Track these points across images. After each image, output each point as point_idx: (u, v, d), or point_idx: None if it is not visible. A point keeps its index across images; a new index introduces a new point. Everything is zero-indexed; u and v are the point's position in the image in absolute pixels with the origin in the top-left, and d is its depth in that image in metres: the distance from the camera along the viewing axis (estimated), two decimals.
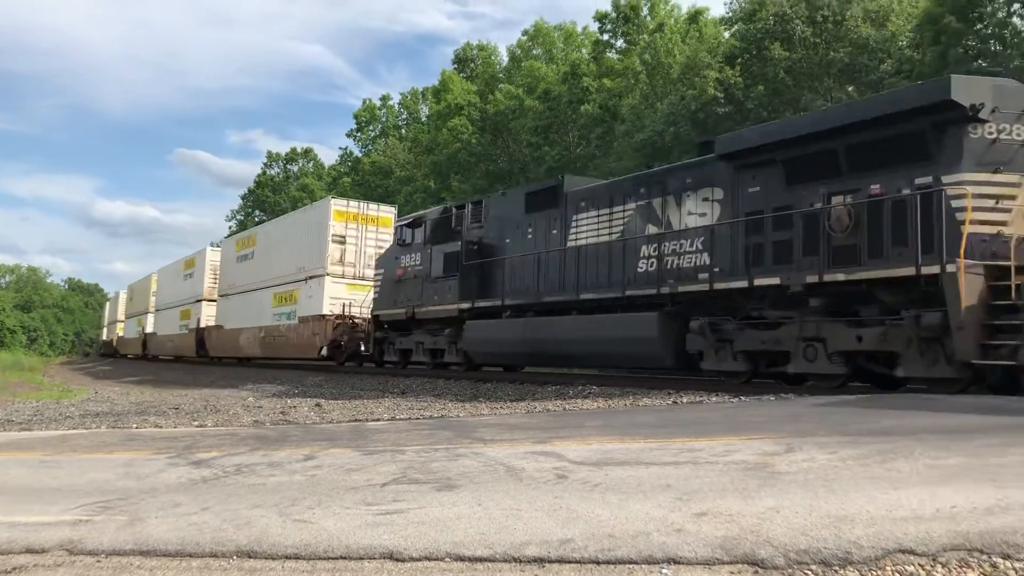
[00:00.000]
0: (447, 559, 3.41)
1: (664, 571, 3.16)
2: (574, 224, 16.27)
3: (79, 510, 4.58)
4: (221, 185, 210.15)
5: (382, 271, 22.33)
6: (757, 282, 12.21)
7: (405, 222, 21.75)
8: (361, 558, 3.49)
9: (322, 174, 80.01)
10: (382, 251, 25.26)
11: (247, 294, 32.09)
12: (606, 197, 15.77)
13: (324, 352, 24.97)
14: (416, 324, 20.73)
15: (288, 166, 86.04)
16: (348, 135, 76.11)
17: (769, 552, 3.21)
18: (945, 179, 10.42)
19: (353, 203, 27.49)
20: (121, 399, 17.60)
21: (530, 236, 17.25)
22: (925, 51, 28.94)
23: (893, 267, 10.61)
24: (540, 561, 3.31)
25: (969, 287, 9.68)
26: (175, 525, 4.12)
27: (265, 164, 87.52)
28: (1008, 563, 3.03)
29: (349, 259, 26.21)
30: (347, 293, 25.60)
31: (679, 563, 3.20)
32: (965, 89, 10.35)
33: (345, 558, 3.52)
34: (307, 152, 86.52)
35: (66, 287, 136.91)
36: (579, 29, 56.95)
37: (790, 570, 3.10)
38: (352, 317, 24.84)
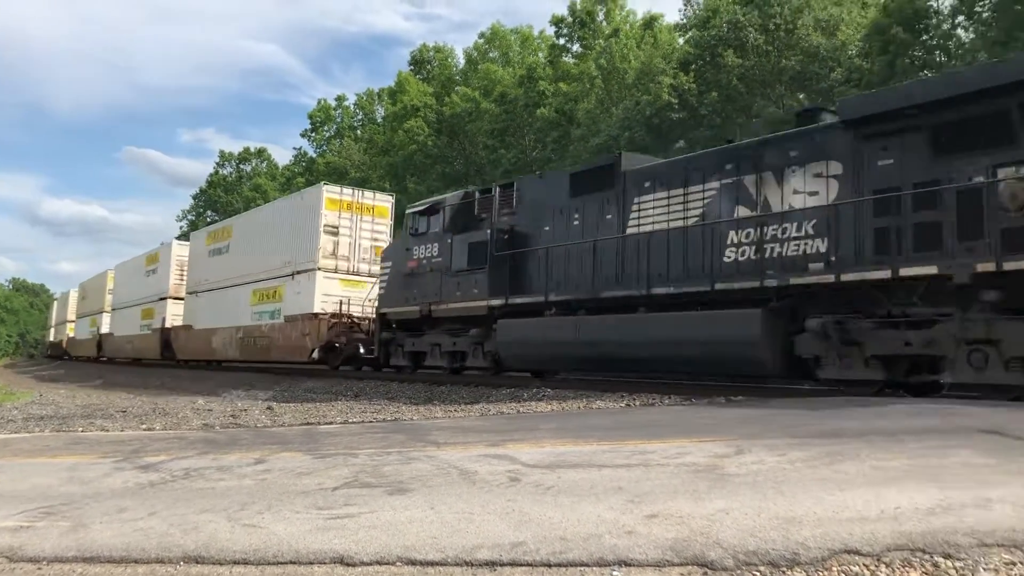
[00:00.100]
0: (398, 563, 3.39)
1: (615, 573, 3.17)
2: (635, 208, 14.10)
3: (20, 516, 4.46)
4: (172, 184, 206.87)
5: (390, 264, 19.99)
6: (904, 271, 10.10)
7: (418, 209, 19.49)
8: (311, 563, 3.46)
9: (276, 174, 79.20)
10: (378, 243, 23.84)
11: (221, 291, 29.61)
12: (679, 176, 13.60)
13: (316, 355, 22.72)
14: (431, 323, 18.39)
15: (241, 166, 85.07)
16: (303, 135, 75.50)
17: (719, 553, 3.24)
18: None
19: (347, 190, 24.86)
20: (67, 402, 17.23)
21: (576, 223, 15.15)
22: (874, 60, 29.55)
23: None
24: (492, 564, 3.30)
25: None
26: (120, 531, 4.04)
27: (217, 163, 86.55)
28: (949, 562, 3.10)
29: (343, 252, 23.76)
30: (341, 289, 23.33)
31: (630, 565, 3.22)
32: None
33: (295, 563, 3.48)
34: (260, 152, 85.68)
35: (10, 287, 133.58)
36: (536, 33, 57.20)
37: (739, 571, 3.14)
38: (350, 316, 22.81)
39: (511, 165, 43.10)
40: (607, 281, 14.20)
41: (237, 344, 27.58)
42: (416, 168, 50.49)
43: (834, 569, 3.12)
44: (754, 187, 12.37)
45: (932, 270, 9.84)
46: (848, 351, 10.73)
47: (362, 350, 21.63)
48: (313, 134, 73.50)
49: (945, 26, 30.42)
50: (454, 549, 3.45)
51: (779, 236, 11.91)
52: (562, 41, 48.06)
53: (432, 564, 3.36)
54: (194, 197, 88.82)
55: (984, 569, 3.05)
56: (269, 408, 12.91)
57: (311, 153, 73.45)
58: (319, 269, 23.12)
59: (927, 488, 4.05)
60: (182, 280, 34.82)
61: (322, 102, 73.89)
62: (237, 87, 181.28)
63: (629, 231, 14.10)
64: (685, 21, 40.11)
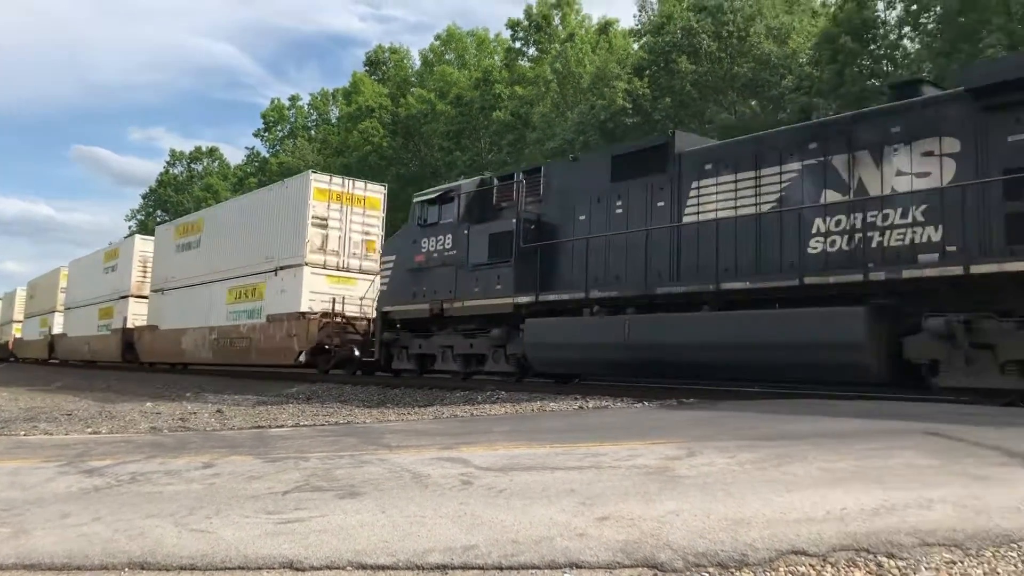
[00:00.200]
0: (349, 568, 3.36)
1: (566, 575, 3.18)
2: (693, 193, 12.71)
3: None
4: (121, 184, 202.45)
5: (392, 258, 18.37)
6: None
7: (427, 197, 17.82)
8: (260, 568, 3.41)
9: (227, 174, 78.27)
10: (369, 237, 22.45)
11: (191, 289, 27.62)
12: (748, 156, 12.21)
13: (303, 358, 20.91)
14: (441, 323, 16.85)
15: (192, 165, 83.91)
16: (255, 135, 74.71)
17: (668, 555, 3.27)
18: None
19: (337, 179, 23.00)
20: (9, 405, 16.82)
21: (619, 211, 13.71)
22: (823, 68, 30.12)
23: None
24: (443, 568, 3.29)
25: None
26: (63, 536, 3.95)
27: (168, 163, 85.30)
28: (892, 562, 3.16)
29: (332, 246, 21.94)
30: (329, 286, 21.63)
31: (581, 567, 3.23)
32: None
33: (243, 568, 3.43)
34: (212, 151, 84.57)
35: None
36: (492, 36, 57.30)
37: (688, 572, 3.16)
38: (344, 316, 21.11)
39: (466, 167, 43.11)
40: (659, 276, 12.90)
41: (211, 346, 25.75)
42: (371, 169, 50.19)
43: (781, 570, 3.16)
44: (846, 168, 10.98)
45: None
46: (977, 355, 9.36)
47: (357, 352, 20.21)
48: (266, 134, 72.81)
49: (892, 36, 31.15)
50: (405, 553, 3.43)
51: (879, 224, 10.46)
52: (518, 45, 48.24)
53: (383, 568, 3.33)
54: (144, 197, 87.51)
55: (925, 568, 3.12)
56: (219, 411, 12.72)
57: (264, 153, 72.75)
58: (306, 265, 21.52)
59: (872, 489, 4.13)
60: (145, 277, 32.77)
61: (276, 102, 73.26)
62: (189, 85, 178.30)
63: (686, 219, 12.70)
64: (640, 27, 40.48)
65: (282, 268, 22.26)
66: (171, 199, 79.20)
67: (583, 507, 4.00)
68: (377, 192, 23.35)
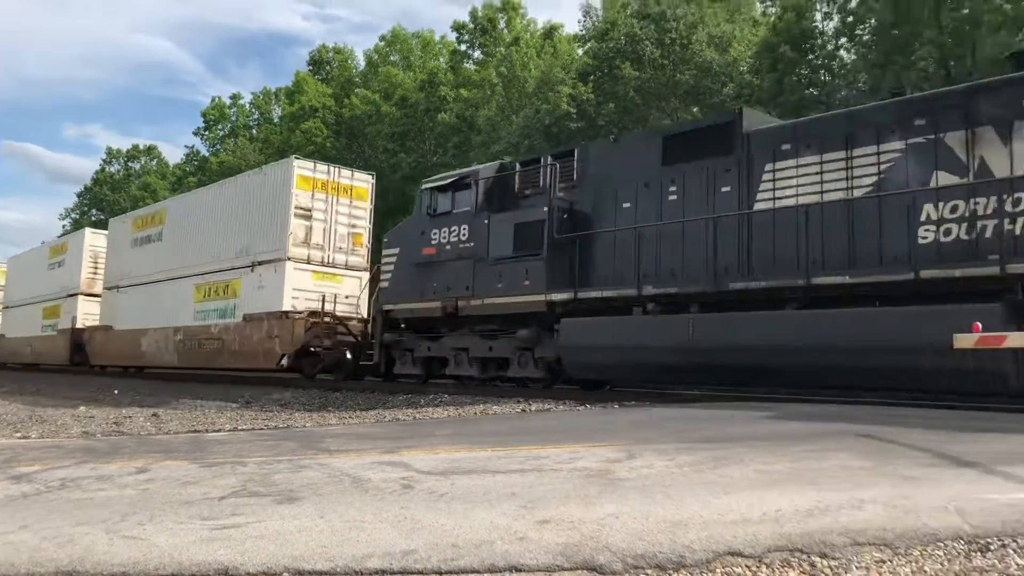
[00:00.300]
0: (286, 573, 3.31)
1: None
2: (768, 176, 11.46)
3: None
4: (54, 181, 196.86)
5: (396, 251, 16.74)
6: None
7: (438, 184, 16.22)
8: (194, 575, 3.35)
9: (166, 173, 76.74)
10: (356, 230, 21.01)
11: (152, 286, 25.55)
12: (837, 135, 10.97)
13: (286, 362, 19.07)
14: (456, 323, 15.38)
15: (129, 163, 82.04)
16: (195, 133, 73.24)
17: (607, 557, 3.29)
18: None
19: (322, 167, 21.16)
20: None
21: (673, 197, 12.46)
22: (763, 77, 30.68)
23: None
24: (382, 573, 3.27)
25: None
26: None
27: (104, 161, 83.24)
28: (825, 561, 3.23)
29: (316, 240, 20.26)
30: (314, 284, 20.00)
31: (521, 571, 3.23)
32: None
33: (177, 575, 3.36)
34: (150, 149, 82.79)
35: None
36: (437, 38, 57.18)
37: (627, 574, 3.19)
38: (335, 315, 19.49)
39: (411, 169, 42.93)
40: (725, 271, 11.69)
41: (175, 348, 23.72)
42: None
43: (718, 571, 3.20)
44: (963, 147, 9.78)
45: None
46: None
47: (349, 356, 18.76)
48: (206, 133, 71.52)
49: (829, 47, 31.87)
50: (344, 558, 3.40)
51: (1009, 210, 9.24)
52: (463, 47, 48.21)
53: (321, 573, 3.30)
54: (79, 195, 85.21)
55: (856, 567, 3.19)
56: (155, 415, 12.44)
57: (204, 152, 71.47)
58: (289, 259, 19.82)
59: (806, 490, 4.21)
60: (97, 274, 30.48)
61: (216, 100, 72.05)
62: (126, 82, 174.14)
63: (759, 206, 11.45)
64: (584, 32, 40.79)
65: (261, 263, 20.67)
66: (107, 198, 77.34)
67: (524, 510, 4.00)
68: (365, 181, 21.81)
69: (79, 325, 30.32)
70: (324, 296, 19.38)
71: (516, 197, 14.95)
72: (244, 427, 9.98)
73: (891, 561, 3.24)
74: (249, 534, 3.79)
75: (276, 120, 64.85)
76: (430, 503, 4.28)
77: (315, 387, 17.66)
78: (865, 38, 30.58)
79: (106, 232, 31.13)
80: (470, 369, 15.16)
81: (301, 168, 20.44)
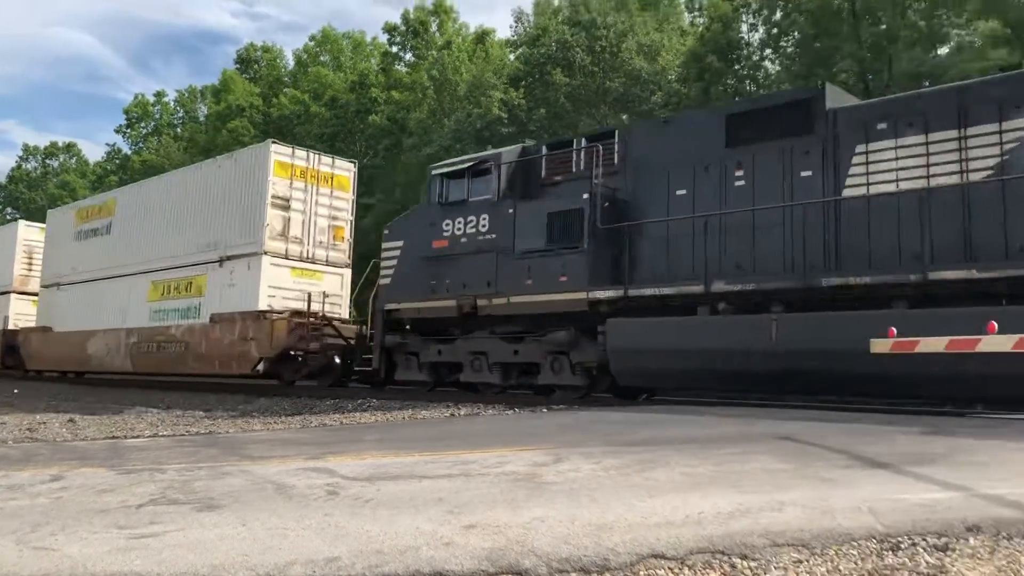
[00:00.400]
0: None
1: None
2: (859, 159, 10.23)
3: None
4: None
5: (399, 244, 15.10)
6: None
7: (450, 169, 14.58)
8: None
9: (86, 171, 74.45)
10: (337, 223, 19.38)
11: (98, 284, 23.28)
12: (947, 112, 9.77)
13: (262, 368, 17.42)
14: (471, 324, 13.88)
15: (47, 161, 79.28)
16: (117, 131, 71.27)
17: (533, 562, 3.30)
18: None
19: (300, 153, 19.27)
20: None
21: (741, 182, 11.22)
22: (691, 86, 31.26)
23: None
24: None
25: None
26: None
27: (20, 158, 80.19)
28: (745, 563, 3.29)
29: (295, 232, 18.49)
30: (292, 280, 18.27)
31: None
32: None
33: None
34: (69, 147, 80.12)
35: None
36: (368, 39, 56.75)
37: None
38: (324, 316, 17.82)
39: None
40: (809, 265, 10.47)
41: (128, 351, 21.43)
42: None
43: (641, 573, 3.24)
44: None
45: None
46: None
47: (337, 360, 17.16)
48: (128, 131, 69.66)
49: (755, 58, 32.65)
50: (265, 567, 3.33)
51: None
52: (395, 49, 47.93)
53: None
54: None
55: (775, 568, 3.26)
56: (71, 421, 12.03)
57: (126, 151, 69.57)
58: (266, 253, 17.94)
59: (729, 493, 4.29)
60: (32, 271, 28.08)
61: (139, 97, 70.38)
62: (43, 77, 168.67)
63: (849, 192, 10.27)
64: (516, 38, 40.96)
65: (231, 258, 18.75)
66: (23, 196, 74.62)
67: (450, 515, 3.99)
68: (346, 170, 20.05)
69: (11, 326, 27.92)
70: (310, 294, 17.67)
71: (543, 184, 13.63)
72: (165, 433, 9.74)
73: (808, 561, 3.32)
74: (167, 543, 3.69)
75: (202, 119, 63.53)
76: (355, 509, 4.24)
77: (293, 395, 16.03)
78: (789, 50, 31.43)
79: (43, 225, 28.65)
80: (490, 375, 13.62)
81: (279, 153, 18.63)
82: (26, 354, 26.47)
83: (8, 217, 69.01)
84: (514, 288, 12.90)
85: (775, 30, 31.47)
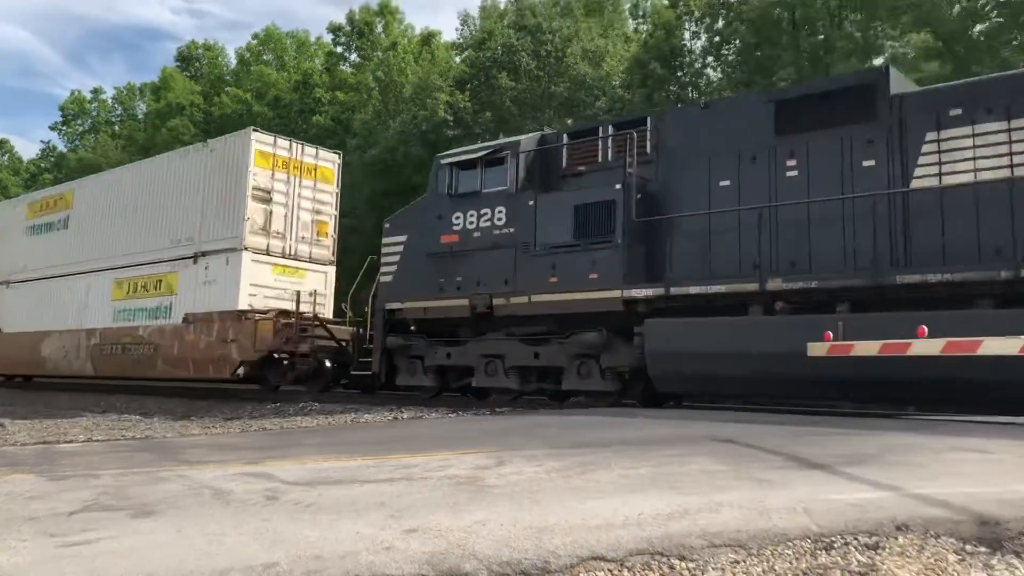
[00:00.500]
0: None
1: None
2: (930, 147, 9.60)
3: None
4: None
5: (402, 239, 14.14)
6: None
7: (461, 158, 13.68)
8: None
9: (19, 168, 72.26)
10: (321, 217, 18.41)
11: (54, 281, 21.99)
12: None
13: (242, 372, 16.32)
14: (485, 325, 13.02)
15: None
16: (52, 128, 69.40)
17: (473, 565, 3.30)
18: None
19: (283, 142, 18.15)
20: None
21: (793, 172, 10.51)
22: (635, 92, 31.57)
23: None
24: None
25: None
26: None
27: None
28: (683, 564, 3.33)
29: (276, 227, 17.42)
30: (274, 278, 17.24)
31: None
32: None
33: None
34: (2, 144, 77.69)
35: None
36: (312, 39, 56.17)
37: None
38: (316, 317, 16.61)
39: None
40: (874, 261, 9.76)
41: (90, 354, 20.15)
42: None
43: (581, 575, 3.26)
44: None
45: None
46: None
47: (329, 364, 15.92)
48: (64, 128, 67.83)
49: (697, 65, 33.13)
50: (201, 573, 3.28)
51: None
52: (340, 49, 47.53)
53: None
54: None
55: (712, 568, 3.31)
56: (0, 425, 11.68)
57: (61, 148, 67.75)
58: (246, 249, 16.86)
59: (668, 494, 4.34)
60: None
61: (76, 94, 68.41)
62: None
63: (918, 183, 9.63)
64: (462, 41, 40.92)
65: (207, 253, 17.67)
66: None
67: (391, 520, 3.97)
68: (330, 162, 19.06)
69: None
70: (299, 292, 16.48)
71: (564, 175, 12.82)
72: (100, 437, 9.50)
73: (745, 562, 3.38)
74: (100, 550, 3.61)
75: (141, 117, 62.18)
76: (295, 514, 4.19)
77: (275, 400, 14.84)
78: (730, 58, 31.98)
79: None
80: (506, 380, 12.69)
81: (260, 142, 17.49)
82: None
83: None
84: (536, 286, 12.10)
85: (717, 38, 32.01)
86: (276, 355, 16.14)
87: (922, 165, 9.68)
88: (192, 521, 4.09)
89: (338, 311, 18.29)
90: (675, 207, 11.41)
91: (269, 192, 17.37)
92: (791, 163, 10.55)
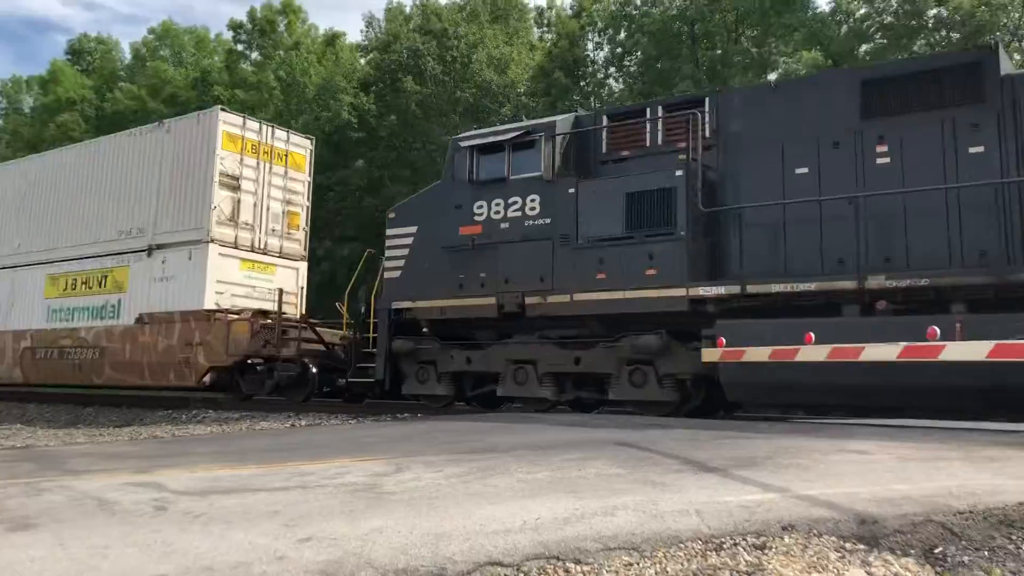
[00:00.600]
0: None
1: None
2: None
3: None
4: None
5: (411, 231, 12.67)
6: None
7: (485, 140, 12.29)
8: None
9: None
10: (292, 208, 16.79)
11: None
12: None
13: (208, 379, 14.49)
14: (514, 326, 11.76)
15: None
16: None
17: (369, 574, 3.26)
18: None
19: (252, 124, 16.51)
20: None
21: (884, 159, 9.55)
22: (539, 100, 31.89)
23: None
24: None
25: None
26: None
27: None
28: (579, 567, 3.37)
29: (245, 218, 15.79)
30: (242, 274, 15.64)
31: None
32: None
33: None
34: None
35: None
36: (212, 35, 54.71)
37: None
38: (304, 316, 15.07)
39: None
40: (983, 256, 8.95)
41: (17, 359, 18.11)
42: None
43: None
44: None
45: None
46: None
47: (314, 369, 14.03)
48: None
49: (599, 75, 33.71)
50: None
51: None
52: (240, 47, 46.41)
53: None
54: None
55: (607, 571, 3.36)
56: None
57: None
58: (212, 241, 15.20)
59: (565, 498, 4.39)
60: None
61: None
62: None
63: None
64: (367, 43, 40.52)
65: (163, 246, 15.95)
66: None
67: (286, 529, 3.89)
68: (302, 148, 17.45)
69: None
70: (281, 291, 14.99)
71: (603, 160, 11.64)
72: None
73: (638, 564, 3.44)
74: None
75: (28, 111, 59.37)
76: (185, 525, 4.07)
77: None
78: (632, 69, 32.65)
79: None
80: (539, 389, 11.35)
81: (228, 123, 15.85)
82: None
83: None
84: (579, 283, 10.87)
85: (619, 49, 32.65)
86: (250, 361, 14.58)
87: None
88: (75, 533, 3.92)
89: (330, 310, 16.96)
90: (739, 196, 10.36)
91: (237, 179, 15.76)
92: (881, 149, 9.60)
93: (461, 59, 34.29)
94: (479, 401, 12.53)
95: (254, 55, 45.80)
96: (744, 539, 3.65)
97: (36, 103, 55.74)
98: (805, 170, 9.96)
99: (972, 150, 9.11)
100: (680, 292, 10.05)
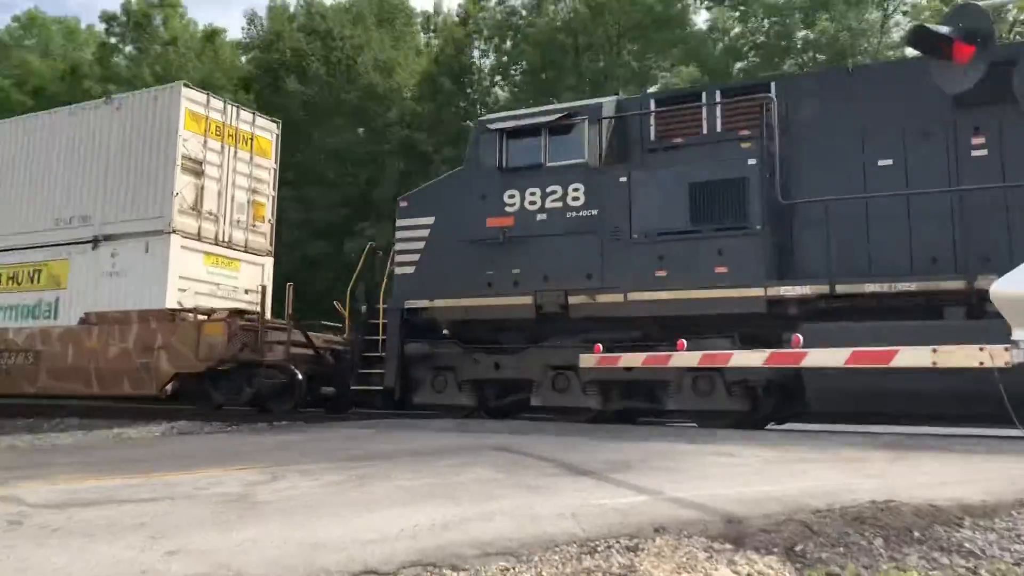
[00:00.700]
0: None
1: None
2: None
3: None
4: None
5: (427, 221, 11.43)
6: None
7: (511, 124, 11.16)
8: None
9: None
10: (258, 197, 15.30)
11: None
12: None
13: (171, 388, 12.86)
14: (554, 329, 10.55)
15: None
16: None
17: None
18: None
19: (216, 103, 14.85)
20: None
21: (981, 151, 8.79)
22: (424, 105, 31.82)
23: None
24: None
25: None
26: None
27: None
28: (455, 573, 3.37)
29: (209, 207, 14.22)
30: (206, 270, 14.11)
31: None
32: None
33: None
34: None
35: None
36: (83, 27, 52.27)
37: None
38: (292, 315, 12.95)
39: None
40: None
41: None
42: None
43: None
44: None
45: None
46: None
47: (300, 377, 12.45)
48: None
49: (485, 83, 33.92)
50: None
51: None
52: (114, 40, 44.49)
53: None
54: None
55: None
56: None
57: None
58: (174, 232, 13.57)
59: (444, 504, 4.39)
60: None
61: None
62: None
63: None
64: (248, 41, 39.53)
65: (112, 237, 14.16)
66: None
67: (152, 541, 3.75)
68: (269, 132, 15.85)
69: None
70: (264, 288, 13.56)
71: (651, 148, 10.55)
72: None
73: (515, 568, 3.47)
74: None
75: None
76: (41, 539, 3.86)
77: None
78: (517, 78, 32.99)
79: None
80: (583, 397, 10.24)
81: (191, 100, 14.24)
82: None
83: None
84: (635, 281, 9.89)
85: (505, 58, 32.94)
86: (222, 369, 12.85)
87: None
88: None
89: (328, 309, 14.91)
90: (810, 188, 9.46)
91: (201, 163, 14.15)
92: (977, 141, 8.87)
93: (346, 61, 33.87)
94: (501, 412, 11.30)
95: (128, 48, 44.02)
96: (618, 541, 3.73)
97: None
98: (889, 162, 9.21)
99: None
100: (757, 292, 9.22)
